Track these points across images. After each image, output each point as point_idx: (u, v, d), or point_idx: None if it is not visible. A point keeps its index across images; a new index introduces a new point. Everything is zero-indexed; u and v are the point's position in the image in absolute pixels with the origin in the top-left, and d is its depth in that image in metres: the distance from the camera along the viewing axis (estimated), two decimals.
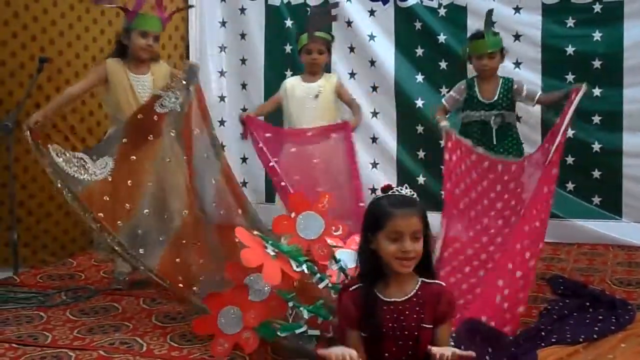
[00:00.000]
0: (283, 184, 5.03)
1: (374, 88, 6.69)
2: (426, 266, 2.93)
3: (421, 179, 6.54)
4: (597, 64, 6.09)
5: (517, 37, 6.22)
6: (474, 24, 6.34)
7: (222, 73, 7.10)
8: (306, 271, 3.49)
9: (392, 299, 2.88)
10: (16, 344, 4.01)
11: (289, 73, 6.75)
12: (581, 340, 3.81)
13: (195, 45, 7.05)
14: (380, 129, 6.70)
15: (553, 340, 3.80)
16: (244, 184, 7.05)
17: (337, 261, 3.61)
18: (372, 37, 6.69)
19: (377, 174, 6.58)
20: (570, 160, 6.10)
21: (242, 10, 7.00)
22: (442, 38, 6.50)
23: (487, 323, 3.64)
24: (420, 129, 6.54)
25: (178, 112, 4.73)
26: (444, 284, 2.98)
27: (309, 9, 6.72)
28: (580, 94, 4.57)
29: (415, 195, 2.93)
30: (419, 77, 6.61)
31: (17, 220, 5.56)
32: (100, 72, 4.95)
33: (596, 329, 3.95)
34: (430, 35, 6.54)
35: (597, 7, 6.09)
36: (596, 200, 6.22)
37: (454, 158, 4.81)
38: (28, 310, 4.63)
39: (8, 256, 5.54)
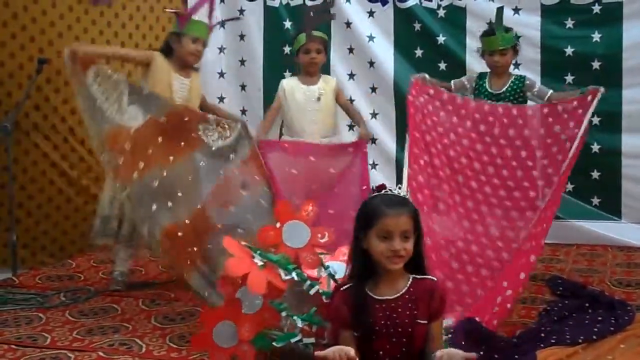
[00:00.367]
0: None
1: (373, 89, 6.69)
2: (417, 265, 2.93)
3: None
4: (596, 64, 6.10)
5: (516, 38, 6.22)
6: (473, 25, 6.37)
7: (221, 74, 7.10)
8: (296, 278, 3.50)
9: (384, 297, 2.88)
10: (15, 345, 4.01)
11: (287, 74, 6.75)
12: (580, 341, 3.81)
13: None
14: (379, 130, 6.71)
15: (552, 341, 3.80)
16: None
17: (325, 268, 3.61)
18: (371, 38, 6.69)
19: (376, 175, 6.58)
20: None
21: (241, 11, 7.00)
22: (441, 39, 6.51)
23: (483, 323, 3.64)
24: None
25: (212, 150, 4.79)
26: (435, 278, 2.97)
27: (305, 9, 6.73)
28: (599, 96, 4.58)
29: (407, 195, 2.95)
30: None
31: (16, 221, 5.57)
32: (147, 57, 5.02)
33: (595, 329, 3.95)
34: (429, 36, 6.56)
35: (596, 8, 6.10)
36: (595, 201, 6.22)
37: (421, 100, 4.79)
38: (27, 312, 4.63)
39: (7, 257, 5.54)
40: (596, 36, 6.11)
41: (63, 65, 5.91)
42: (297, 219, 3.74)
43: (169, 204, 4.45)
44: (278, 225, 3.72)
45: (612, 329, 3.98)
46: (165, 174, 4.52)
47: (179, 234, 4.36)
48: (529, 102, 5.31)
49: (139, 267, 5.58)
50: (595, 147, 6.14)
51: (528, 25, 6.22)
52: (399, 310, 2.86)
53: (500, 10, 5.26)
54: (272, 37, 6.95)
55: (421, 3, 6.55)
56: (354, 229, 2.94)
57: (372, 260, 2.88)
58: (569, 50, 6.17)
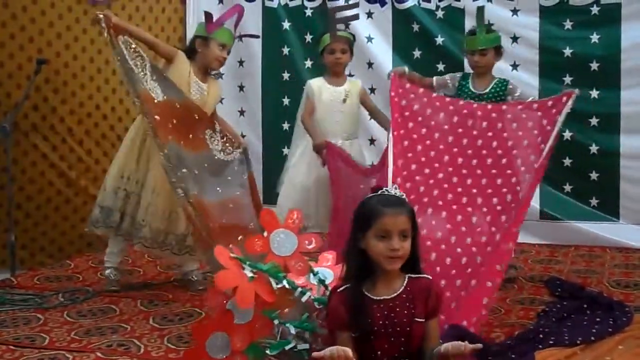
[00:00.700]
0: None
1: (372, 90, 6.69)
2: (412, 265, 2.94)
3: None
4: (594, 66, 6.10)
5: (514, 39, 6.24)
6: (471, 26, 6.35)
7: (219, 75, 7.09)
8: (287, 286, 3.50)
9: (382, 297, 2.89)
10: (13, 346, 4.00)
11: (286, 74, 6.78)
12: (579, 342, 3.80)
13: None
14: (377, 131, 6.70)
15: (551, 342, 3.80)
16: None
17: (315, 274, 3.61)
18: (369, 38, 6.70)
19: None
20: (567, 162, 6.12)
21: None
22: (439, 40, 6.51)
23: (469, 329, 3.64)
24: None
25: (214, 159, 4.90)
26: (430, 277, 2.99)
27: (306, 10, 6.75)
28: (573, 98, 4.55)
29: (404, 196, 2.96)
30: None
31: (15, 222, 5.57)
32: (171, 52, 5.05)
33: (594, 331, 3.94)
34: (427, 37, 6.56)
35: (595, 9, 6.11)
36: (593, 202, 6.23)
37: (399, 92, 4.75)
38: (25, 312, 4.63)
39: (5, 258, 5.54)
40: (595, 37, 6.12)
41: (62, 66, 5.97)
42: (283, 227, 3.75)
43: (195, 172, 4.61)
44: (265, 234, 3.72)
45: (610, 330, 3.97)
46: (181, 148, 4.64)
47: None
48: None
49: (138, 267, 5.58)
50: (594, 148, 6.15)
51: (526, 26, 6.23)
52: (397, 309, 2.87)
53: (480, 10, 5.25)
54: (271, 37, 6.95)
55: (420, 4, 6.56)
56: (351, 229, 2.95)
57: (369, 260, 2.89)
58: (568, 51, 6.18)
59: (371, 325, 2.85)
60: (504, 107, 4.67)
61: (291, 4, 6.88)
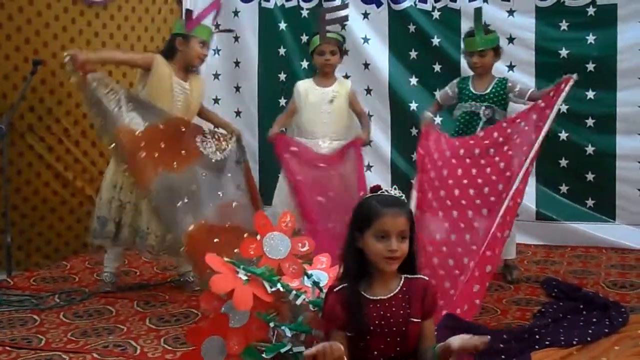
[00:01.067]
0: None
1: (368, 91, 6.70)
2: (409, 265, 2.95)
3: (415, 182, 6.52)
4: (590, 66, 6.10)
5: (510, 39, 6.24)
6: (467, 27, 6.32)
7: (216, 75, 7.10)
8: (281, 290, 3.50)
9: (378, 297, 2.89)
10: (10, 347, 4.01)
11: (282, 75, 6.78)
12: (575, 342, 3.81)
13: None
14: (374, 132, 6.68)
15: (547, 342, 3.81)
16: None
17: (309, 276, 3.61)
18: (366, 39, 6.70)
19: (371, 177, 6.56)
20: (563, 162, 6.12)
21: (236, 12, 7.00)
22: (436, 41, 6.51)
23: (464, 318, 3.66)
24: (414, 131, 6.55)
25: (211, 162, 4.91)
26: (426, 277, 2.99)
27: (302, 11, 6.75)
28: (571, 83, 4.59)
29: (403, 197, 2.96)
30: (413, 80, 6.63)
31: (11, 223, 5.55)
32: (148, 59, 5.01)
33: (590, 331, 3.95)
34: (424, 38, 6.56)
35: (591, 10, 6.11)
36: (590, 202, 6.23)
37: (430, 145, 4.84)
38: (22, 313, 4.63)
39: (1, 259, 5.53)
40: (591, 38, 6.12)
41: (58, 67, 5.95)
42: (276, 230, 3.75)
43: (188, 200, 4.58)
44: (258, 237, 3.72)
45: (606, 330, 3.98)
46: (170, 176, 4.61)
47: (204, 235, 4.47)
48: (511, 104, 5.31)
49: (134, 269, 5.58)
50: (590, 149, 6.15)
51: (522, 27, 6.23)
52: (393, 309, 2.87)
53: (478, 11, 5.26)
54: (267, 38, 6.96)
55: (416, 5, 6.56)
56: (349, 228, 2.95)
57: (366, 260, 2.89)
58: (564, 52, 6.18)
59: (367, 325, 2.85)
60: (518, 120, 4.73)
61: (287, 5, 6.88)
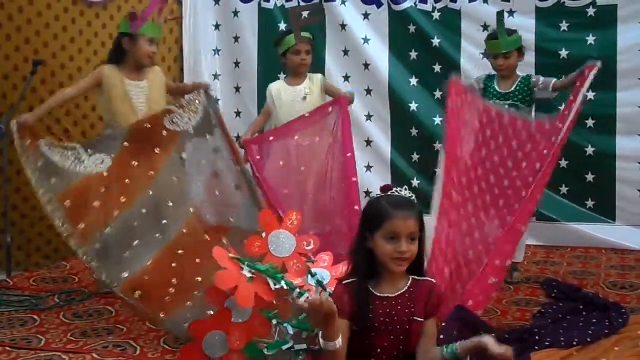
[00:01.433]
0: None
1: (368, 91, 6.69)
2: (417, 266, 2.96)
3: (415, 182, 6.52)
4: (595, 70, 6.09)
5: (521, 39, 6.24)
6: (468, 28, 6.39)
7: (216, 76, 7.10)
8: (285, 287, 3.50)
9: (385, 295, 2.92)
10: (10, 347, 4.01)
11: (282, 76, 6.76)
12: (575, 343, 3.82)
13: (189, 48, 7.05)
14: (374, 132, 6.72)
15: (547, 343, 3.81)
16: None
17: (313, 275, 3.62)
18: (366, 40, 6.70)
19: (371, 177, 6.58)
20: (563, 163, 6.12)
21: (236, 13, 7.00)
22: (436, 41, 6.51)
23: (475, 314, 3.65)
24: (414, 132, 6.56)
25: (191, 134, 4.77)
26: (434, 280, 3.04)
27: (288, 10, 6.74)
28: (595, 71, 4.61)
29: (413, 197, 2.96)
30: (413, 81, 6.63)
31: (11, 223, 5.54)
32: (96, 77, 4.96)
33: (590, 332, 3.95)
34: (424, 39, 6.56)
35: (591, 11, 6.11)
36: (590, 203, 6.22)
37: (459, 105, 4.77)
38: (21, 314, 4.63)
39: (1, 259, 5.52)
40: (591, 39, 6.12)
41: (58, 67, 5.97)
42: (282, 229, 3.75)
43: (163, 221, 4.44)
44: (264, 235, 3.72)
45: (606, 331, 3.99)
46: (151, 193, 4.52)
47: (173, 264, 4.31)
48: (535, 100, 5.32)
49: None
50: (590, 150, 6.15)
51: (523, 27, 6.18)
52: (399, 307, 2.91)
53: (500, 15, 5.26)
54: (267, 38, 6.94)
55: (416, 6, 6.56)
56: (359, 228, 2.96)
57: (376, 259, 2.91)
58: (564, 53, 6.18)
59: (372, 321, 2.88)
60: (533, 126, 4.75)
61: (287, 5, 6.87)
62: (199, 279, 4.20)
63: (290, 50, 5.30)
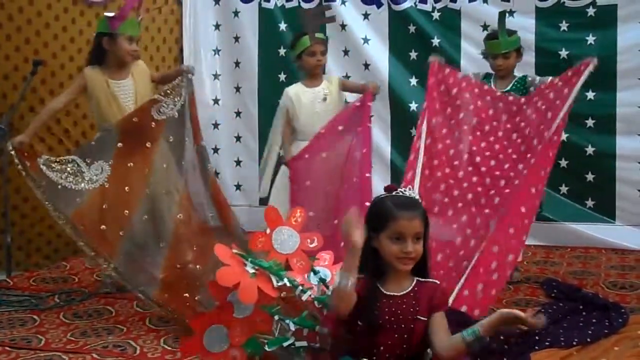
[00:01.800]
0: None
1: None
2: (421, 265, 2.98)
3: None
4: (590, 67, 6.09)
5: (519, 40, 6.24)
6: (467, 28, 6.39)
7: (216, 76, 7.11)
8: (288, 284, 3.50)
9: (391, 293, 2.94)
10: (9, 347, 4.01)
11: (282, 76, 6.77)
12: (575, 343, 3.81)
13: (189, 48, 7.06)
14: (374, 132, 6.64)
15: (547, 343, 3.80)
16: (238, 186, 7.06)
17: (315, 273, 3.62)
18: (366, 40, 6.70)
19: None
20: (563, 163, 6.12)
21: (236, 13, 7.01)
22: (436, 41, 6.51)
23: (467, 314, 3.66)
24: (414, 132, 6.54)
25: (176, 118, 4.79)
26: (438, 282, 3.04)
27: (302, 11, 6.73)
28: (590, 67, 4.62)
29: (417, 197, 2.98)
30: (413, 81, 6.63)
31: (11, 223, 5.55)
32: (80, 83, 4.97)
33: (590, 332, 3.95)
34: (424, 39, 6.56)
35: (591, 11, 6.11)
36: (589, 203, 6.23)
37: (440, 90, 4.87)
38: (21, 313, 4.63)
39: (1, 259, 5.52)
40: (590, 39, 6.12)
41: (58, 67, 5.97)
42: (286, 226, 3.76)
43: (162, 238, 4.48)
44: (268, 231, 3.73)
45: (606, 331, 3.98)
46: (148, 192, 4.57)
47: (177, 265, 4.36)
48: None
49: None
50: (590, 150, 6.15)
51: (522, 27, 6.19)
52: (404, 306, 2.92)
53: (502, 15, 5.26)
54: (267, 38, 6.96)
55: (416, 6, 6.56)
56: (365, 227, 2.96)
57: (381, 258, 2.93)
58: (564, 53, 6.18)
59: (377, 318, 2.89)
60: (535, 98, 4.75)
61: (288, 5, 6.88)
62: (199, 266, 4.36)
63: (305, 52, 5.30)
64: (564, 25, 6.21)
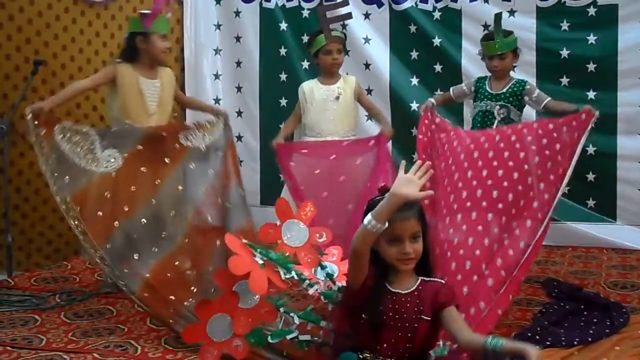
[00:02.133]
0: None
1: (369, 91, 6.69)
2: (425, 264, 3.00)
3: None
4: (591, 67, 6.10)
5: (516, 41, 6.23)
6: (468, 27, 6.38)
7: (217, 75, 7.11)
8: (295, 278, 3.51)
9: (396, 291, 2.95)
10: (10, 347, 4.00)
11: (283, 75, 6.77)
12: (576, 343, 3.81)
13: (190, 47, 7.07)
14: (375, 132, 6.68)
15: (548, 343, 3.80)
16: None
17: (323, 267, 3.62)
18: (367, 40, 6.70)
19: None
20: None
21: (237, 13, 7.01)
22: (436, 41, 6.51)
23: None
24: (415, 132, 6.54)
25: (202, 151, 4.84)
26: (442, 281, 3.06)
27: (303, 11, 6.75)
28: (593, 119, 4.58)
29: None
30: (414, 80, 6.63)
31: (12, 223, 5.55)
32: (110, 73, 4.98)
33: (591, 332, 3.95)
34: (425, 39, 6.56)
35: (592, 11, 6.11)
36: (590, 203, 6.23)
37: (429, 135, 4.77)
38: (22, 313, 4.63)
39: (2, 259, 5.53)
40: (591, 38, 6.12)
41: (59, 67, 5.97)
42: (296, 219, 3.76)
43: (156, 242, 4.44)
44: (278, 223, 3.73)
45: (607, 331, 3.98)
46: (154, 202, 4.53)
47: (168, 274, 4.31)
48: (526, 107, 5.31)
49: None
50: (591, 149, 6.14)
51: (523, 27, 6.22)
52: (408, 305, 2.93)
53: (498, 16, 5.26)
54: (268, 38, 6.96)
55: (417, 5, 6.56)
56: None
57: (384, 259, 2.94)
58: (565, 53, 6.18)
59: (381, 314, 2.90)
60: (525, 130, 4.68)
61: (288, 5, 6.88)
62: (194, 289, 4.28)
63: (321, 50, 5.32)
64: (564, 25, 6.20)
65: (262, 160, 6.95)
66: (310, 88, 5.42)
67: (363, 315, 2.92)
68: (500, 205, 4.25)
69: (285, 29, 6.88)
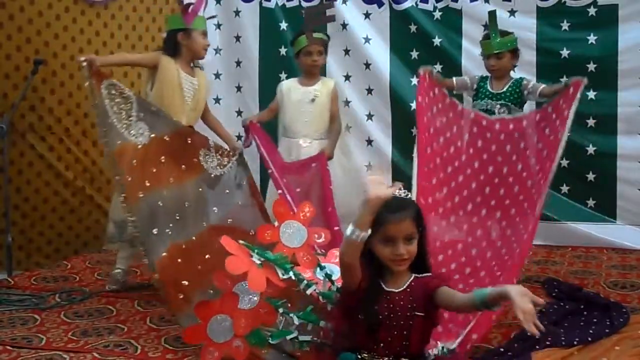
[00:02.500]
0: (280, 192, 4.94)
1: (369, 90, 6.69)
2: (420, 264, 3.00)
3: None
4: (591, 67, 6.10)
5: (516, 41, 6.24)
6: (468, 27, 6.38)
7: (217, 75, 7.10)
8: (293, 278, 3.51)
9: (390, 289, 2.96)
10: (10, 346, 4.01)
11: (283, 75, 6.76)
12: (576, 343, 3.81)
13: None
14: (375, 132, 6.72)
15: (547, 343, 3.80)
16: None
17: (322, 268, 3.62)
18: (367, 39, 6.70)
19: None
20: (564, 163, 6.11)
21: (237, 12, 7.00)
22: (437, 41, 6.51)
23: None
24: (415, 131, 6.53)
25: (211, 177, 4.86)
26: (431, 274, 3.06)
27: (303, 10, 6.73)
28: (581, 87, 4.60)
29: (409, 195, 2.98)
30: (414, 80, 6.61)
31: (12, 223, 5.56)
32: (154, 59, 4.98)
33: (591, 331, 3.95)
34: (425, 38, 6.56)
35: (592, 11, 6.11)
36: (590, 203, 6.23)
37: (427, 100, 4.81)
38: (22, 313, 4.63)
39: (2, 259, 5.53)
40: (592, 38, 6.12)
41: (59, 66, 5.96)
42: (294, 220, 3.77)
43: (170, 225, 4.43)
44: (276, 224, 3.73)
45: (607, 331, 3.98)
46: (165, 193, 4.53)
47: (179, 260, 4.31)
48: (527, 102, 5.33)
49: (135, 269, 5.57)
50: (591, 149, 6.15)
51: (524, 27, 6.22)
52: (401, 303, 2.94)
53: (491, 14, 5.26)
54: (268, 38, 6.96)
55: (417, 5, 6.56)
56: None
57: (379, 260, 2.95)
58: (565, 53, 6.18)
59: (377, 314, 2.91)
60: (525, 122, 4.71)
61: (288, 5, 6.87)
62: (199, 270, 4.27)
63: (302, 51, 5.37)
64: (565, 25, 6.21)
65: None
66: (288, 87, 5.48)
67: (359, 316, 2.93)
68: (507, 202, 4.33)
69: (285, 28, 6.88)
